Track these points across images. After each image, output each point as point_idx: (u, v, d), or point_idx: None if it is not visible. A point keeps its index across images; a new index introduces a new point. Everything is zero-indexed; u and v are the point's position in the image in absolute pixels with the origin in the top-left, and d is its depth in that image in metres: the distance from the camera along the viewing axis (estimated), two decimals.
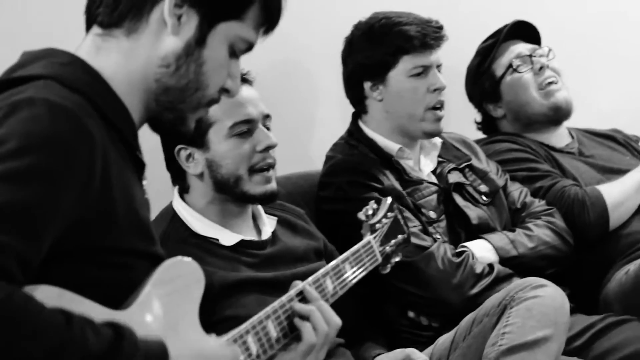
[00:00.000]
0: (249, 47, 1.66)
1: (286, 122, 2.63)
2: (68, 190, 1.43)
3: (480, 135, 3.26)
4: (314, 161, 3.03)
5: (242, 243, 2.34)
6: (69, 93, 1.50)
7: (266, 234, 2.40)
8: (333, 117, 3.14)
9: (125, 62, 1.60)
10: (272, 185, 2.33)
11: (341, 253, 2.52)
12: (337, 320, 1.92)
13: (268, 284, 2.25)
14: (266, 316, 1.81)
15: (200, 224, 2.34)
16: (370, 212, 2.25)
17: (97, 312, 1.45)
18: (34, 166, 1.40)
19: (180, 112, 1.64)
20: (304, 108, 3.21)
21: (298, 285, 1.92)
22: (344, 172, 2.71)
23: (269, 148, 2.32)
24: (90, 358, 1.36)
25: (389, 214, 2.29)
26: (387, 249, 2.26)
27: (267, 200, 2.36)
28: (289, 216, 2.52)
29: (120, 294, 1.52)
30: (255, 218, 2.44)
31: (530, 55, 3.15)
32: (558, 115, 3.15)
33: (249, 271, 2.30)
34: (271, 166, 2.33)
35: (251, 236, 2.38)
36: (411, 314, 2.67)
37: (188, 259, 1.61)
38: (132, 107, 1.61)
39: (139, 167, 1.64)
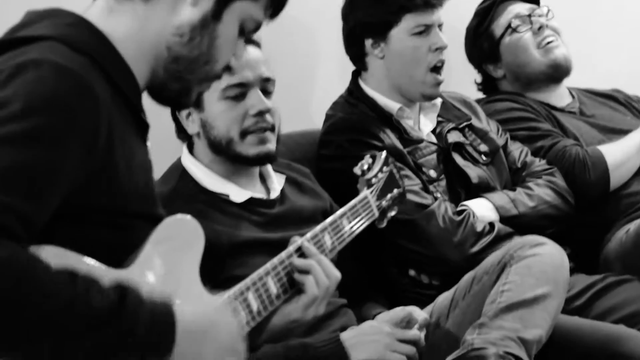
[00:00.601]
0: (257, 28, 1.67)
1: (285, 79, 2.61)
2: (72, 152, 1.43)
3: (481, 95, 3.24)
4: (313, 119, 3.02)
5: (252, 201, 2.33)
6: (75, 55, 1.49)
7: (275, 192, 2.39)
8: (332, 74, 3.12)
9: (138, 26, 1.60)
10: (268, 147, 2.31)
11: None
12: (336, 274, 1.93)
13: (276, 245, 2.19)
14: (266, 273, 1.82)
15: (210, 180, 2.33)
16: (365, 166, 2.25)
17: (99, 272, 1.45)
18: (38, 128, 1.40)
19: (186, 83, 1.64)
20: (303, 65, 3.19)
21: (296, 241, 1.92)
22: (343, 131, 2.70)
23: (261, 113, 2.29)
24: (95, 317, 1.36)
25: (385, 168, 2.29)
26: (384, 203, 2.26)
27: (262, 161, 2.35)
28: (296, 175, 2.51)
29: (121, 254, 1.52)
30: (263, 176, 2.43)
31: (529, 15, 3.13)
32: (557, 72, 3.13)
33: (258, 231, 2.30)
34: (266, 129, 2.31)
35: (260, 194, 2.37)
36: (412, 273, 2.67)
37: (187, 217, 1.60)
38: (138, 72, 1.61)
39: (143, 129, 1.64)
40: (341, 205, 2.54)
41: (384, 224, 2.27)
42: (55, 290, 1.34)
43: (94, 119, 1.46)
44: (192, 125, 2.34)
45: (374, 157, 2.28)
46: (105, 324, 1.36)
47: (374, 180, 2.24)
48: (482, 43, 3.16)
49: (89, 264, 1.45)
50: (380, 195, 2.25)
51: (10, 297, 1.30)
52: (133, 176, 1.54)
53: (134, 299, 1.41)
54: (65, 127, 1.42)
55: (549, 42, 3.11)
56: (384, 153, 2.30)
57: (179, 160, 2.41)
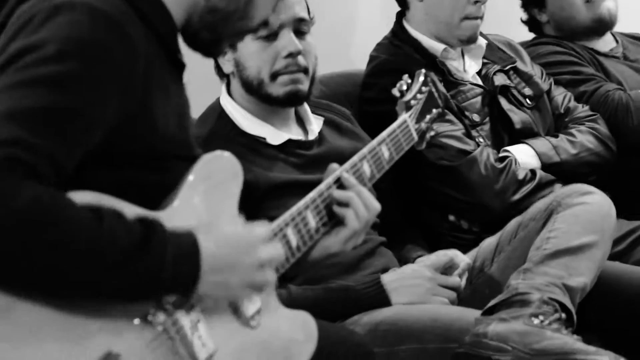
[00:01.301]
0: None
1: (326, 20, 2.58)
2: (106, 97, 1.42)
3: (523, 38, 3.21)
4: (354, 61, 3.00)
5: (289, 142, 2.32)
6: None
7: (313, 134, 2.38)
8: (374, 14, 3.10)
9: None
10: (298, 87, 2.29)
11: None
12: (376, 205, 1.87)
13: (314, 186, 2.17)
14: (305, 206, 1.77)
15: (248, 122, 2.32)
16: (404, 87, 2.16)
17: (138, 213, 1.44)
18: (72, 72, 1.39)
19: (218, 35, 1.62)
20: (345, 5, 3.16)
21: (335, 171, 1.87)
22: (388, 73, 2.67)
23: (292, 54, 2.27)
24: (120, 254, 1.35)
25: (424, 88, 2.20)
26: (423, 125, 2.17)
27: (292, 102, 2.32)
28: (335, 117, 2.49)
29: (158, 195, 1.51)
30: (301, 118, 2.41)
31: None
32: (601, 27, 3.11)
33: (295, 172, 2.29)
34: (297, 71, 2.28)
35: (298, 136, 2.36)
36: (452, 218, 2.66)
37: (226, 153, 1.58)
38: (175, 15, 1.58)
39: (179, 68, 1.62)
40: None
41: (424, 146, 2.20)
42: (80, 230, 1.33)
43: (129, 64, 1.44)
44: (227, 65, 2.33)
45: (412, 76, 2.20)
46: (130, 264, 1.36)
47: (412, 102, 2.16)
48: None
49: (125, 207, 1.42)
50: (420, 117, 2.17)
51: (34, 238, 1.29)
52: (169, 119, 1.52)
53: (159, 238, 1.40)
54: (100, 71, 1.41)
55: None
56: (423, 71, 2.22)
57: (217, 100, 2.40)
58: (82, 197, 1.38)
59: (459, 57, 2.78)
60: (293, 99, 2.31)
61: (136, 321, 1.42)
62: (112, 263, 1.35)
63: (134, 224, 1.39)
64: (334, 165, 1.89)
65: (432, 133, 2.22)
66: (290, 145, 2.32)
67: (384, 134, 2.05)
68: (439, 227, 2.67)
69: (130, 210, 1.43)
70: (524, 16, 3.21)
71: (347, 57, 3.08)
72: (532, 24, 3.20)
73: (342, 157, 2.32)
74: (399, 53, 2.73)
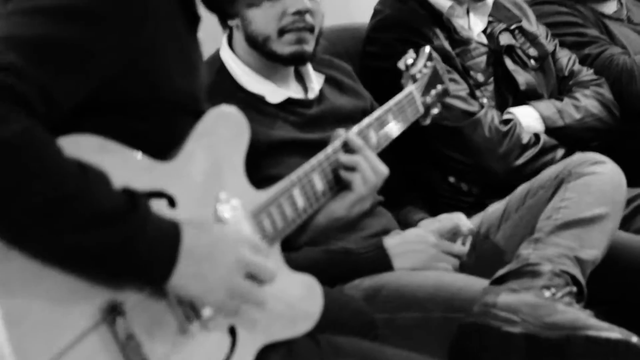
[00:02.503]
0: None
1: None
2: (110, 34, 1.35)
3: None
4: (352, 14, 2.92)
5: (289, 101, 2.27)
6: None
7: (313, 92, 2.33)
8: None
9: None
10: (304, 47, 2.24)
11: None
12: (383, 170, 1.83)
13: (314, 145, 2.13)
14: (312, 169, 1.73)
15: (248, 78, 2.27)
16: (410, 61, 2.17)
17: (140, 163, 1.39)
18: (78, 5, 1.33)
19: None
20: None
21: (342, 135, 1.83)
22: (392, 28, 2.60)
23: (300, 12, 2.21)
24: (98, 214, 1.28)
25: (428, 64, 2.21)
26: (428, 99, 2.18)
27: (297, 61, 2.28)
28: (336, 73, 2.43)
29: (164, 146, 1.44)
30: (301, 75, 2.36)
31: None
32: None
33: (295, 131, 2.24)
34: (304, 29, 2.23)
35: (297, 94, 2.31)
36: (452, 179, 2.61)
37: (233, 109, 1.54)
38: None
39: (194, 22, 1.55)
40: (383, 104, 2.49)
41: (428, 122, 2.21)
42: (64, 178, 1.26)
43: (141, 6, 1.38)
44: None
45: (417, 52, 2.21)
46: (110, 224, 1.29)
47: (418, 75, 2.17)
48: None
49: (129, 154, 1.38)
50: (425, 91, 2.18)
51: (16, 177, 1.23)
52: (178, 70, 1.46)
53: (144, 208, 1.33)
54: (108, 9, 1.35)
55: None
56: (428, 47, 2.23)
57: (217, 52, 2.34)
58: (84, 140, 1.33)
59: (464, 15, 2.71)
60: (298, 59, 2.27)
61: None
62: (90, 220, 1.27)
63: (119, 192, 1.32)
64: (340, 130, 1.84)
65: (437, 110, 2.22)
66: (290, 103, 2.27)
67: (391, 102, 2.03)
68: (438, 188, 2.63)
69: (135, 157, 1.37)
70: None
71: (346, 10, 3.00)
72: None
73: (342, 116, 2.32)
74: (404, 8, 2.66)
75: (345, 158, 1.80)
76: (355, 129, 1.87)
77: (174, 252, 1.34)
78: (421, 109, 2.15)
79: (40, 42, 1.30)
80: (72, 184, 1.27)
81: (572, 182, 2.19)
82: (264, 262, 1.44)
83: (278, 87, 2.28)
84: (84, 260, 1.29)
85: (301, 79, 2.36)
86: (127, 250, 1.30)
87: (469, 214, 2.47)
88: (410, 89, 2.13)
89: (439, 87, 2.23)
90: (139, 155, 1.39)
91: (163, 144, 1.44)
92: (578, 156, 2.30)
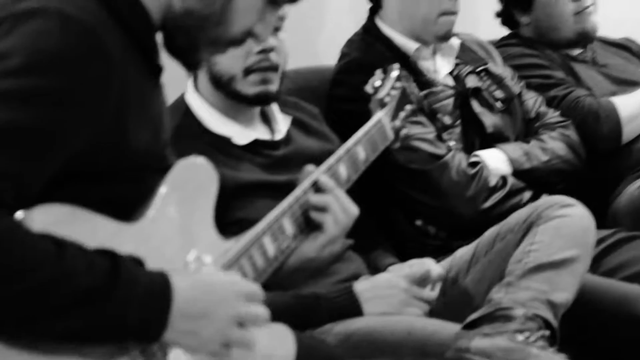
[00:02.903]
0: None
1: (293, 12, 2.49)
2: (77, 114, 1.31)
3: (492, 37, 3.15)
4: (319, 56, 2.92)
5: (256, 142, 2.25)
6: (85, 1, 1.34)
7: (280, 133, 2.31)
8: (342, 9, 3.01)
9: None
10: (269, 87, 2.22)
11: None
12: (354, 210, 1.83)
13: (281, 187, 2.11)
14: (282, 213, 1.70)
15: (213, 120, 2.25)
16: (378, 83, 2.11)
17: (109, 228, 1.36)
18: (40, 87, 1.27)
19: (194, 41, 1.48)
20: None
21: (311, 174, 1.80)
22: (359, 71, 2.57)
23: (265, 51, 2.19)
24: (81, 294, 1.25)
25: (397, 84, 2.15)
26: (397, 123, 2.14)
27: (262, 102, 2.25)
28: (303, 116, 2.42)
29: (132, 206, 1.41)
30: (267, 117, 2.33)
31: None
32: (582, 40, 3.06)
33: (262, 173, 2.22)
34: (270, 68, 2.21)
35: (264, 135, 2.29)
36: (419, 223, 2.59)
37: (201, 159, 1.51)
38: (152, 17, 1.47)
39: (157, 72, 1.51)
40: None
41: (398, 145, 2.17)
42: (38, 264, 1.23)
43: (103, 78, 1.33)
44: None
45: (385, 71, 2.15)
46: (92, 304, 1.26)
47: (387, 99, 2.12)
48: None
49: (98, 220, 1.35)
50: (394, 115, 2.13)
51: None
52: (144, 132, 1.42)
53: (126, 277, 1.29)
54: (70, 87, 1.29)
55: (586, 8, 3.01)
56: (396, 67, 2.18)
57: (181, 97, 2.31)
58: (54, 209, 1.30)
59: (431, 57, 2.71)
60: (263, 100, 2.24)
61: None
62: (71, 304, 1.25)
63: (99, 262, 1.28)
64: (310, 167, 1.82)
65: (405, 130, 2.18)
66: (257, 145, 2.25)
67: (360, 133, 2.00)
68: (405, 231, 2.61)
69: (102, 224, 1.34)
70: (499, 9, 3.14)
71: (313, 52, 3.00)
72: (507, 19, 3.13)
73: (310, 158, 2.27)
74: (370, 51, 2.65)
75: (315, 199, 1.78)
76: (325, 166, 1.85)
77: (165, 314, 1.32)
78: (391, 135, 2.11)
79: (4, 131, 1.25)
80: (49, 269, 1.24)
81: (542, 225, 2.19)
82: (257, 311, 1.44)
83: (244, 128, 2.26)
84: (78, 338, 1.28)
85: (267, 120, 2.34)
86: (117, 322, 1.29)
87: (437, 257, 2.46)
88: (379, 116, 2.08)
89: (408, 107, 2.18)
90: (106, 219, 1.36)
91: (130, 204, 1.41)
92: (547, 199, 2.30)
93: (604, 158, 2.87)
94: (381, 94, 2.11)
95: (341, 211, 1.79)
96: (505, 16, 3.13)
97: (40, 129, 1.27)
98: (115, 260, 1.30)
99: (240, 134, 2.24)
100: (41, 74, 1.28)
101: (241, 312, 1.41)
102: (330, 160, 1.87)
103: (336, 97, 2.64)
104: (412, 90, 2.22)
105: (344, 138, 2.46)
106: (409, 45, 2.66)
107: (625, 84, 3.00)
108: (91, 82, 1.32)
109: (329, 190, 1.80)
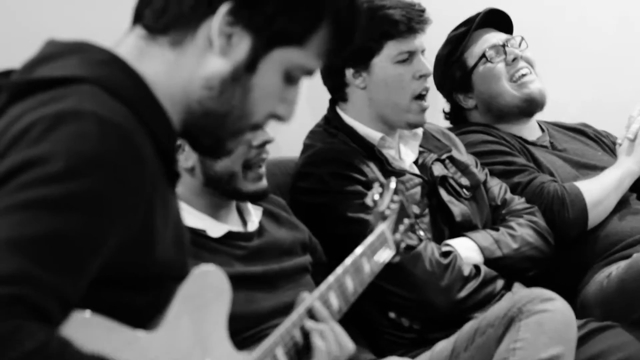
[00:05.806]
0: (309, 73, 1.46)
1: None
2: (116, 219, 1.26)
3: (449, 124, 3.12)
4: (280, 148, 2.85)
5: (230, 235, 2.21)
6: (115, 103, 1.31)
7: (253, 225, 2.28)
8: (300, 102, 2.95)
9: (169, 74, 1.40)
10: (264, 183, 2.25)
11: (322, 246, 2.38)
12: (349, 346, 1.77)
13: (257, 279, 2.16)
14: (276, 342, 1.65)
15: (186, 214, 2.15)
16: (377, 196, 2.06)
17: (124, 336, 1.32)
18: (81, 192, 1.23)
19: (218, 138, 1.46)
20: None
21: (305, 300, 1.74)
22: (325, 163, 2.54)
23: (265, 143, 2.21)
24: None
25: (395, 198, 2.11)
26: (398, 236, 2.09)
27: (259, 198, 2.27)
28: (273, 207, 2.39)
29: (148, 314, 1.37)
30: (239, 209, 2.31)
31: (504, 45, 3.02)
32: (531, 107, 3.03)
33: (238, 265, 2.19)
34: (263, 161, 2.23)
35: (237, 227, 2.26)
36: (392, 315, 2.53)
37: (212, 268, 1.48)
38: (173, 123, 1.43)
39: (173, 178, 1.46)
40: (320, 241, 2.41)
41: (397, 259, 2.10)
42: None
43: (139, 180, 1.29)
44: (185, 160, 2.20)
45: (382, 186, 2.12)
46: None
47: (387, 212, 2.06)
48: (454, 71, 3.03)
49: (116, 329, 1.32)
50: (395, 228, 2.08)
51: None
52: (168, 240, 1.38)
53: None
54: (112, 191, 1.25)
55: (522, 75, 3.00)
56: (393, 181, 2.13)
57: None
58: (77, 316, 1.26)
59: (395, 146, 2.67)
60: (261, 196, 2.27)
61: None
62: None
63: None
64: (304, 295, 1.77)
65: (404, 245, 2.12)
66: (230, 237, 2.22)
67: (364, 246, 1.94)
68: (378, 324, 2.54)
69: (120, 332, 1.30)
70: (447, 107, 3.12)
71: (274, 144, 2.93)
72: (455, 114, 3.11)
73: (283, 248, 2.29)
74: (334, 142, 2.61)
75: (310, 325, 1.72)
76: (318, 293, 1.78)
77: None
78: (394, 249, 2.06)
79: (45, 241, 1.21)
80: None
81: (524, 321, 2.16)
82: None
83: (218, 221, 2.23)
84: None
85: (240, 212, 2.31)
86: None
87: (411, 350, 2.40)
88: (382, 228, 2.02)
89: (407, 221, 2.14)
90: (121, 327, 1.33)
91: (146, 311, 1.37)
92: (526, 292, 2.26)
93: (570, 244, 2.83)
94: (382, 206, 2.06)
95: (335, 343, 1.73)
96: (453, 112, 3.10)
97: (83, 237, 1.23)
98: None
99: (214, 226, 2.21)
100: (83, 178, 1.24)
101: None
102: (321, 289, 1.80)
103: (301, 190, 2.58)
104: (409, 205, 2.18)
105: (311, 230, 2.42)
106: (372, 134, 2.62)
107: (585, 168, 2.98)
108: (129, 187, 1.28)
109: (324, 321, 1.74)
